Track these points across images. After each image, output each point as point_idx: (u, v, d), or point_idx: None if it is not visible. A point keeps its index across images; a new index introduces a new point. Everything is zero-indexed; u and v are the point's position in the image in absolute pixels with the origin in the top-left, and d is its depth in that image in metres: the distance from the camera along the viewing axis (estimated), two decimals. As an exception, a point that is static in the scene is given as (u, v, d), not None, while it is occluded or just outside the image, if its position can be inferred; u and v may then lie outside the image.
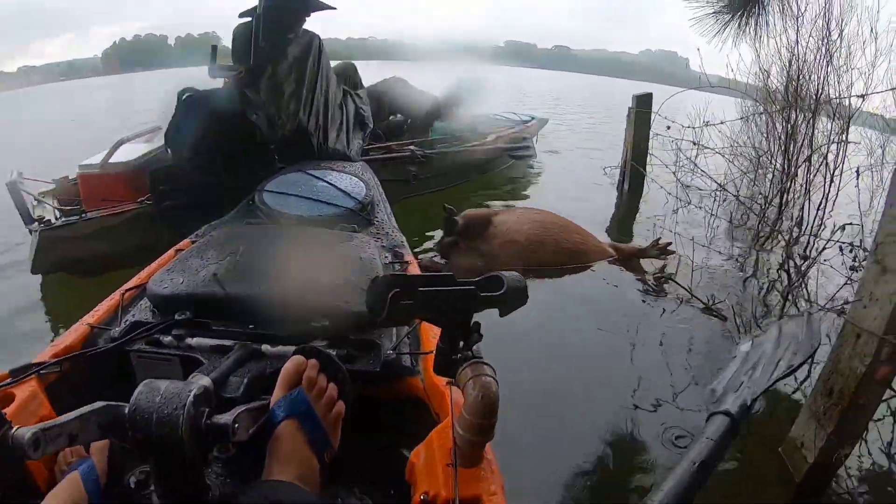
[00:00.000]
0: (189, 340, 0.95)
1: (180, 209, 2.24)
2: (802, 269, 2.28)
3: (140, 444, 0.59)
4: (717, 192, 3.60)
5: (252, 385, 0.81)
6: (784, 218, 3.31)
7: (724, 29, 2.13)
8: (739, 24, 2.15)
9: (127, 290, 1.17)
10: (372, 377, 0.92)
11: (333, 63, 2.70)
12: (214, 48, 2.42)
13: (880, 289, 1.15)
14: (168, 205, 2.29)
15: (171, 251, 1.44)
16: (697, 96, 3.50)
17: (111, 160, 2.56)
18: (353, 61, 3.36)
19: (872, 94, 2.60)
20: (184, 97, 2.23)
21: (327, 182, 1.92)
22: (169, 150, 2.35)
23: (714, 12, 1.88)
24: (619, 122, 4.64)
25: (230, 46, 2.43)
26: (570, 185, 4.85)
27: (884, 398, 1.40)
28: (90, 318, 1.07)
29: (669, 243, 2.83)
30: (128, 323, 1.02)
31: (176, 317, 1.00)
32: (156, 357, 0.94)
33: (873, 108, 3.20)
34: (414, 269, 1.36)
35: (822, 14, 3.20)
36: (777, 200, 3.45)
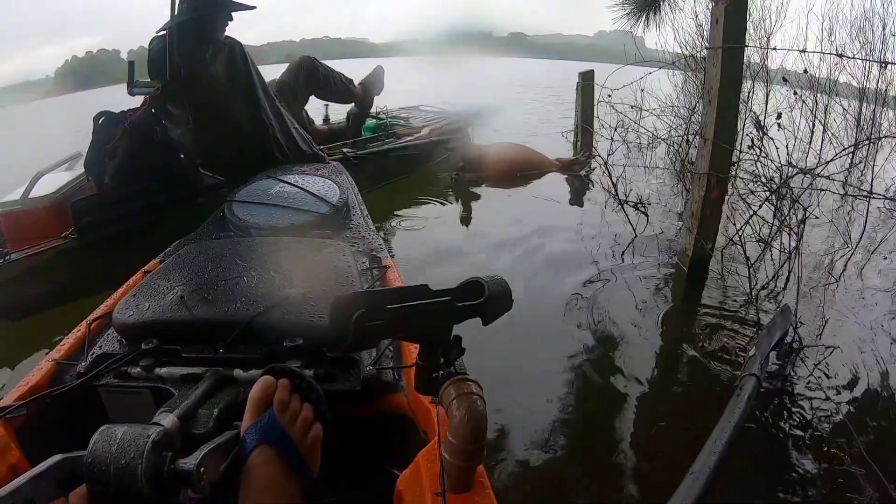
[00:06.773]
0: (158, 370, 0.91)
1: (107, 240, 2.20)
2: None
3: (100, 498, 0.55)
4: (652, 144, 4.88)
5: (223, 416, 0.76)
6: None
7: (638, 22, 3.32)
8: (647, 18, 3.34)
9: (94, 321, 1.13)
10: (352, 396, 0.90)
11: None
12: (132, 64, 2.35)
13: (705, 149, 2.36)
14: (93, 238, 2.20)
15: (138, 274, 1.39)
16: (642, 71, 4.12)
17: (31, 195, 2.37)
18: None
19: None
20: (99, 120, 2.19)
21: (299, 187, 1.90)
22: (89, 178, 2.30)
23: (626, 13, 3.06)
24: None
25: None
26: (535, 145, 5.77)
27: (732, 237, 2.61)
28: (56, 353, 1.03)
29: (586, 154, 5.00)
30: (94, 356, 0.98)
31: (143, 346, 0.95)
32: (124, 391, 0.90)
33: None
34: (392, 273, 1.35)
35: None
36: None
